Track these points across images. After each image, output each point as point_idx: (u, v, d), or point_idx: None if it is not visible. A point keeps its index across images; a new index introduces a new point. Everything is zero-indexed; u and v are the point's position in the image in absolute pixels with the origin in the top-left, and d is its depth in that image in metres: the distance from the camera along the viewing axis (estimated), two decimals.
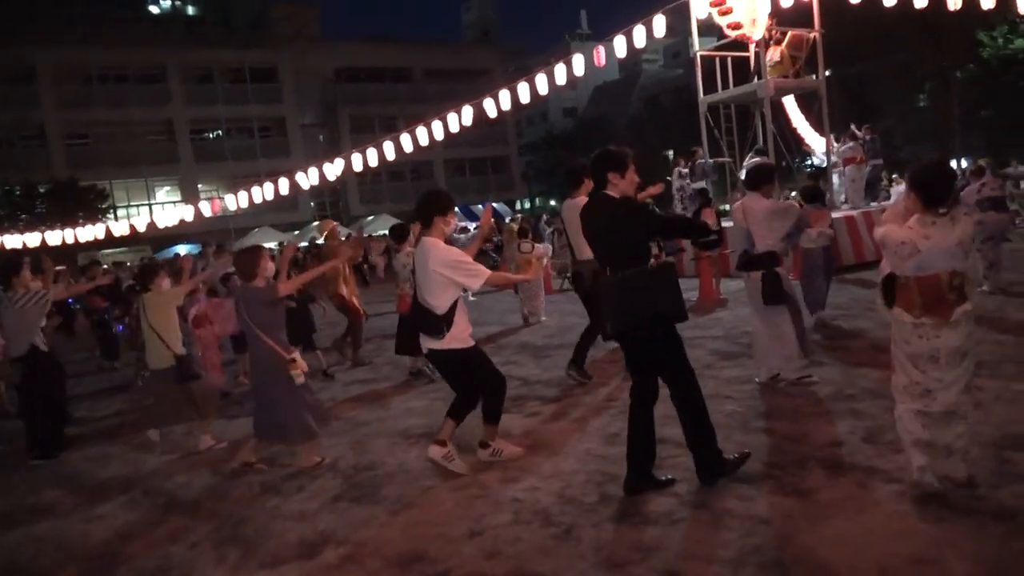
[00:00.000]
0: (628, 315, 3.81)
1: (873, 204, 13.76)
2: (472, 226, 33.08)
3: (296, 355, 5.07)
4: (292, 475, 5.03)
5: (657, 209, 6.31)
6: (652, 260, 3.90)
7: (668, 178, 15.47)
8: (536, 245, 10.69)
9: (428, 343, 4.53)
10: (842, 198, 13.91)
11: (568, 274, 5.83)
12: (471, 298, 12.33)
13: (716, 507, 3.64)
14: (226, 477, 5.11)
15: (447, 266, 4.33)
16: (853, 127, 14.34)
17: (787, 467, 4.05)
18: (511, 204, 44.95)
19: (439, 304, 4.38)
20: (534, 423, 5.56)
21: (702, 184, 14.36)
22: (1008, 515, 3.17)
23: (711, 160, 14.96)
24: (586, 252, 6.04)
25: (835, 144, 14.33)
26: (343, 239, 9.27)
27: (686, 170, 15.39)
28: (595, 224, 4.01)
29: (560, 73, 9.97)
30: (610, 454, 4.56)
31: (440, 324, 4.38)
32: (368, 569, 3.49)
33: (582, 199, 5.93)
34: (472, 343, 4.55)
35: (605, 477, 4.20)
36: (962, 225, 3.29)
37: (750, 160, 11.81)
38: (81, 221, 18.19)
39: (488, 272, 4.49)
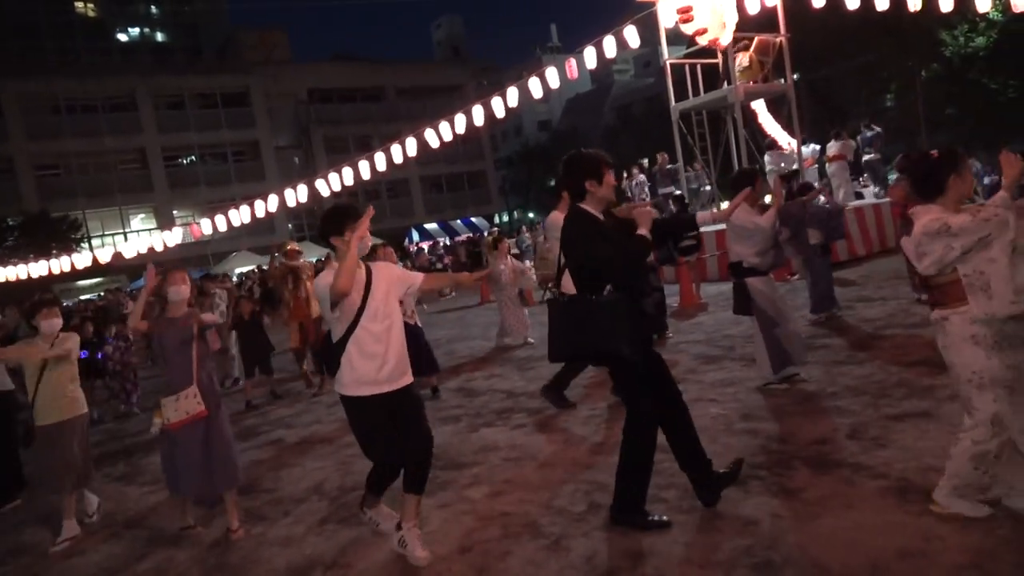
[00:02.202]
0: (558, 345, 3.62)
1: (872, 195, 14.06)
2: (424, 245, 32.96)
3: (166, 402, 4.35)
4: (277, 500, 4.97)
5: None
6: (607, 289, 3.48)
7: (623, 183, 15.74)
8: (514, 261, 10.55)
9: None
10: (821, 199, 14.06)
11: (550, 286, 5.78)
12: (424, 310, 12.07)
13: (705, 511, 3.64)
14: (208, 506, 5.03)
15: (320, 299, 3.59)
16: (867, 127, 14.71)
17: (773, 467, 4.06)
18: (489, 218, 44.98)
19: (333, 337, 3.64)
20: (520, 435, 5.54)
21: (672, 189, 14.53)
22: (990, 504, 3.19)
23: (674, 165, 15.19)
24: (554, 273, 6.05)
25: (811, 145, 14.71)
26: (292, 268, 8.83)
27: (642, 177, 15.69)
28: (564, 239, 3.70)
29: (534, 86, 10.00)
30: (597, 463, 4.55)
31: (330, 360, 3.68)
32: None
33: (562, 214, 5.94)
34: (357, 393, 3.53)
35: (593, 486, 4.19)
36: (916, 228, 3.12)
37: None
38: (55, 253, 17.91)
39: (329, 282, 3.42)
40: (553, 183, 6.22)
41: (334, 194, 11.44)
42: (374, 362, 3.50)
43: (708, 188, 15.68)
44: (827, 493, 3.63)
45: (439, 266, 21.89)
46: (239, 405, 8.37)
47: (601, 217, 3.66)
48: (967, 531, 3.04)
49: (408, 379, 3.65)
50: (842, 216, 8.91)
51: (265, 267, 28.52)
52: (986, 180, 17.20)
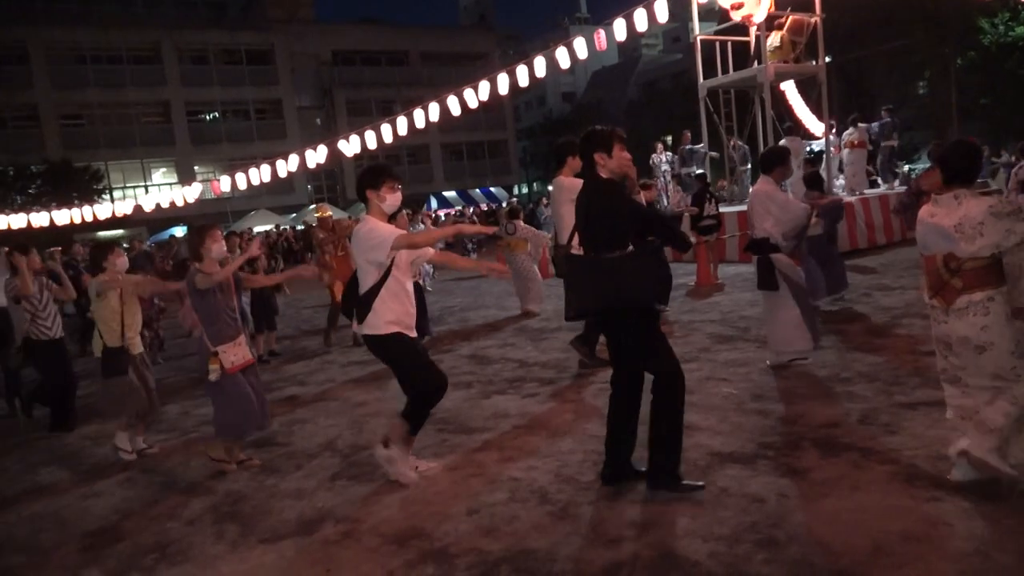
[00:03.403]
0: (586, 299, 3.73)
1: (882, 186, 13.77)
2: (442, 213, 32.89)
3: (223, 349, 4.63)
4: (290, 454, 5.06)
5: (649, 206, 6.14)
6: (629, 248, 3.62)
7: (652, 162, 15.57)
8: (520, 225, 10.45)
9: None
10: (839, 182, 13.87)
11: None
12: (428, 288, 12.20)
13: (712, 485, 3.67)
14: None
15: (362, 249, 4.04)
16: (887, 113, 14.34)
17: (782, 447, 4.08)
18: (508, 189, 44.86)
19: (362, 286, 4.10)
20: (531, 404, 5.59)
21: (696, 169, 14.37)
22: (999, 494, 3.20)
23: (704, 148, 14.95)
24: (564, 235, 6.08)
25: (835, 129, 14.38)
26: (331, 229, 9.15)
27: (666, 155, 15.52)
28: (581, 205, 3.82)
29: (562, 56, 9.91)
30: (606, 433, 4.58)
31: (360, 307, 4.10)
32: (366, 545, 3.52)
33: (565, 178, 5.99)
34: (394, 330, 4.05)
35: (601, 456, 4.20)
36: (966, 208, 3.15)
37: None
38: (77, 202, 18.08)
39: (397, 233, 4.01)
40: (557, 149, 6.24)
41: (355, 156, 11.46)
42: (404, 307, 4.08)
43: (748, 167, 15.41)
44: (834, 475, 3.65)
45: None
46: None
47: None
48: (974, 519, 3.05)
49: (415, 333, 4.24)
50: (842, 207, 8.78)
51: (285, 227, 28.80)
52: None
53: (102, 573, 3.62)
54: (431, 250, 4.56)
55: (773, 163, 5.76)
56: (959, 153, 3.30)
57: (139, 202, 14.20)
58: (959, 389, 3.33)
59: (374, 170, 4.18)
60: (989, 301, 3.14)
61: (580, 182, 5.93)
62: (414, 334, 4.19)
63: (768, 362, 5.79)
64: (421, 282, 7.75)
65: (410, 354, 4.15)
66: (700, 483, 3.69)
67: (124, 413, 5.34)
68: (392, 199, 4.13)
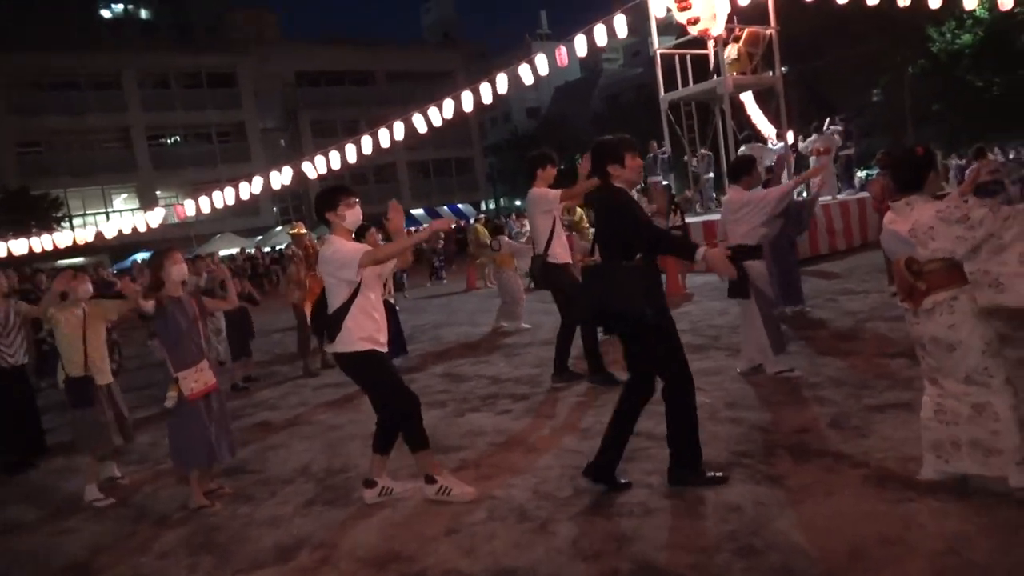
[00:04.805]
0: (593, 308, 3.85)
1: (842, 193, 14.00)
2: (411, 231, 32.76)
3: (183, 374, 4.53)
4: (264, 480, 4.98)
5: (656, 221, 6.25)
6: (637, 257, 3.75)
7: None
8: (505, 240, 10.58)
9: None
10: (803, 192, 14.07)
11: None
12: (404, 298, 12.09)
13: (689, 496, 3.69)
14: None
15: (330, 269, 4.03)
16: (829, 120, 14.53)
17: (756, 455, 4.12)
18: (476, 205, 44.92)
19: (331, 304, 4.09)
20: (506, 420, 5.58)
21: (659, 179, 14.51)
22: (968, 492, 3.27)
23: (667, 153, 15.15)
24: (540, 246, 6.15)
25: (797, 137, 14.64)
26: (306, 247, 9.08)
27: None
28: (597, 213, 4.02)
29: (524, 73, 9.99)
30: (583, 448, 4.59)
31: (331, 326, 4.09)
32: (344, 571, 3.48)
33: (538, 190, 6.13)
34: (367, 347, 4.05)
35: (578, 471, 4.21)
36: (917, 213, 3.24)
37: (739, 151, 12.07)
38: (35, 230, 17.71)
39: (363, 250, 3.96)
40: (532, 161, 6.30)
41: (320, 177, 11.39)
42: (375, 323, 4.09)
43: (711, 176, 15.61)
44: (809, 481, 3.69)
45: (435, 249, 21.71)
46: (224, 386, 8.35)
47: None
48: (946, 519, 3.11)
49: (387, 350, 4.24)
50: (810, 212, 8.93)
51: (250, 250, 28.48)
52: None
53: None
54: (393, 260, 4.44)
55: (739, 172, 5.87)
56: (906, 163, 3.43)
57: (100, 229, 13.95)
58: (938, 390, 3.39)
59: (328, 192, 4.18)
60: (953, 300, 3.20)
61: (555, 192, 6.05)
62: (385, 350, 4.19)
63: (739, 369, 5.86)
64: (391, 299, 7.72)
65: (382, 372, 4.16)
66: (721, 474, 3.83)
67: (89, 451, 5.14)
68: (352, 215, 4.13)
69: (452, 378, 7.35)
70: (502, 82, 10.08)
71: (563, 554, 3.32)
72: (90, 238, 13.77)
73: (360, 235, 6.84)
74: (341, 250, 3.98)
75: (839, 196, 13.92)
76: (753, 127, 15.64)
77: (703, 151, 15.40)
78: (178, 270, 4.68)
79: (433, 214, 40.62)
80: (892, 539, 3.01)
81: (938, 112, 29.12)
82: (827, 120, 14.46)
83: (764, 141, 15.43)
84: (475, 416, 5.83)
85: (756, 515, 3.40)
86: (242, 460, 5.47)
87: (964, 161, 17.89)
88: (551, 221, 6.11)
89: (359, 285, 4.02)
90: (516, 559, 3.33)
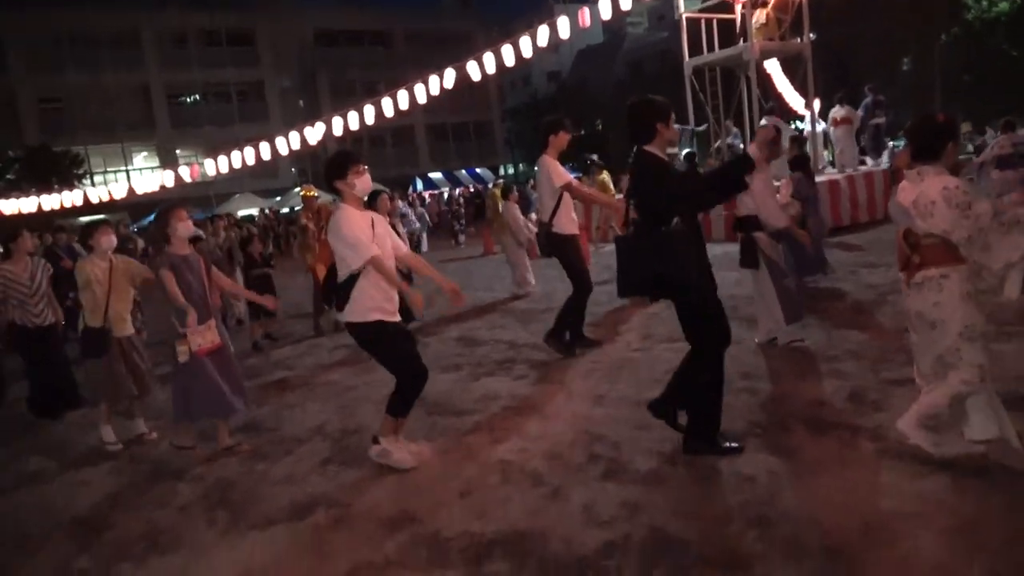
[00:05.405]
0: (632, 276, 3.81)
1: (870, 163, 13.73)
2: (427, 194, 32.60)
3: (191, 331, 4.59)
4: (280, 439, 5.04)
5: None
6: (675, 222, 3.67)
7: None
8: (509, 206, 10.54)
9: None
10: (827, 159, 13.88)
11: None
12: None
13: (703, 465, 3.69)
14: (212, 443, 5.09)
15: (339, 243, 4.01)
16: (871, 91, 14.15)
17: (771, 426, 4.11)
18: (494, 170, 44.60)
19: (340, 273, 4.09)
20: (521, 386, 5.59)
21: (687, 149, 14.27)
22: (987, 470, 3.24)
23: (689, 126, 14.87)
24: (545, 214, 6.11)
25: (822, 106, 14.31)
26: (316, 212, 9.04)
27: None
28: (635, 178, 3.91)
29: (544, 35, 9.81)
30: (597, 415, 4.60)
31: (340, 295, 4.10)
32: (359, 530, 3.52)
33: (549, 157, 6.08)
34: (375, 318, 4.04)
35: (592, 438, 4.24)
36: (925, 185, 3.16)
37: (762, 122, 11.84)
38: (57, 187, 17.82)
39: (370, 256, 3.93)
40: (545, 128, 6.21)
41: (338, 139, 11.33)
42: (384, 292, 4.04)
43: (740, 145, 15.35)
44: (824, 453, 3.67)
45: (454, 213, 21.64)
46: (244, 345, 8.47)
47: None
48: (962, 495, 3.08)
49: (398, 317, 4.20)
50: (816, 194, 8.76)
51: (268, 211, 28.52)
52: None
53: (92, 561, 3.59)
54: (404, 248, 4.42)
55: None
56: (922, 129, 3.31)
57: (123, 186, 14.03)
58: (916, 367, 3.40)
59: (337, 159, 4.12)
60: (943, 278, 3.15)
61: (567, 177, 6.03)
62: (397, 318, 4.16)
63: (757, 340, 5.82)
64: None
65: (391, 343, 4.14)
66: (737, 444, 3.81)
67: (103, 399, 5.29)
68: (361, 183, 4.09)
69: (467, 342, 7.37)
70: (523, 45, 9.91)
71: (575, 519, 3.33)
72: (117, 195, 13.85)
73: (371, 201, 6.84)
74: (354, 235, 3.94)
75: (864, 168, 13.68)
76: (779, 97, 15.32)
77: (728, 124, 15.04)
78: (184, 227, 4.72)
79: (451, 178, 40.46)
80: (906, 514, 3.00)
81: (968, 83, 28.41)
82: (838, 94, 14.07)
83: (790, 113, 15.13)
84: (490, 381, 5.85)
85: (770, 486, 3.39)
86: (258, 419, 5.53)
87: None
88: (560, 192, 6.07)
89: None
90: (529, 523, 3.35)
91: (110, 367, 5.22)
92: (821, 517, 3.05)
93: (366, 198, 4.31)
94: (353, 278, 3.99)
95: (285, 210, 29.42)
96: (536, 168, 6.46)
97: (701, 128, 15.39)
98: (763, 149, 3.73)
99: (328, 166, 4.13)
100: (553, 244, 6.20)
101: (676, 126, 15.29)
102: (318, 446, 4.80)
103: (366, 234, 3.98)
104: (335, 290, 4.10)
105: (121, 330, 5.31)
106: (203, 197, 29.40)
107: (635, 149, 3.84)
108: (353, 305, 4.02)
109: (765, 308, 5.74)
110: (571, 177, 6.38)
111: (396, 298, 4.13)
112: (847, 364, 5.04)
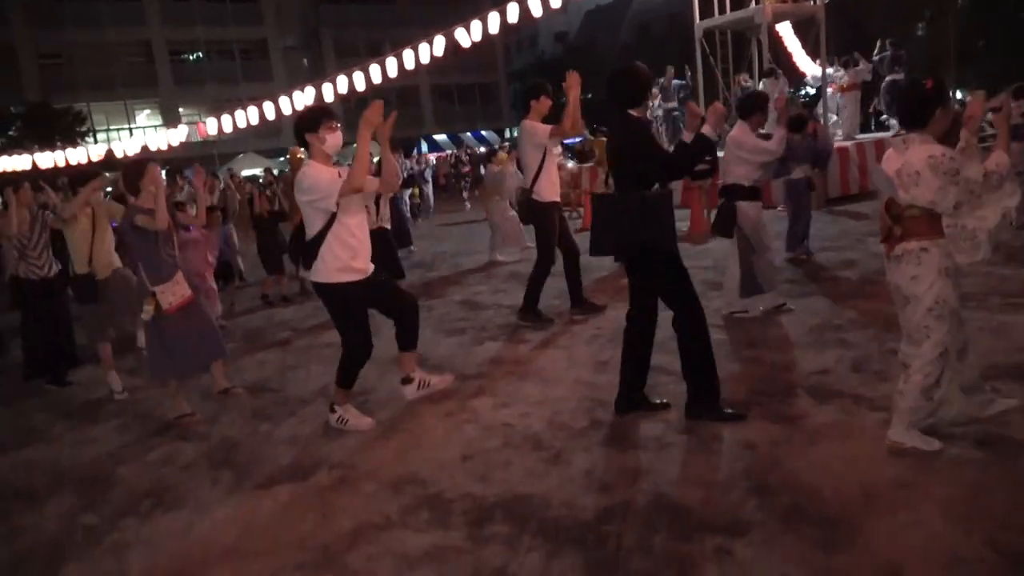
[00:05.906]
0: (611, 238, 3.84)
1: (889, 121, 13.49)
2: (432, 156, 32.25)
3: (162, 289, 4.63)
4: (283, 400, 5.07)
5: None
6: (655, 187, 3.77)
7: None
8: (493, 170, 10.48)
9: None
10: (834, 121, 13.63)
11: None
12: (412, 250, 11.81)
13: (704, 432, 3.70)
14: (217, 402, 5.13)
15: (306, 197, 3.98)
16: (891, 45, 13.79)
17: (774, 394, 4.11)
18: (500, 132, 44.17)
19: (308, 231, 4.08)
20: (524, 351, 5.59)
21: (674, 104, 14.01)
22: (988, 442, 3.24)
23: (683, 80, 14.63)
24: (527, 180, 6.06)
25: (834, 70, 14.01)
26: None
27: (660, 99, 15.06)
28: (612, 143, 3.99)
29: None
30: (599, 381, 4.61)
31: (307, 254, 4.15)
32: (362, 491, 3.54)
33: (531, 122, 6.03)
34: (342, 279, 4.06)
35: (594, 403, 4.25)
36: (910, 154, 3.06)
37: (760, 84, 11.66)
38: (59, 144, 17.69)
39: (338, 183, 3.88)
40: (526, 92, 6.23)
41: (342, 98, 11.20)
42: (352, 251, 4.03)
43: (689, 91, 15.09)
44: (826, 422, 3.68)
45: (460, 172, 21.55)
46: (250, 303, 8.54)
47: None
48: (963, 467, 3.09)
49: (372, 267, 4.19)
50: (830, 153, 8.63)
51: (275, 171, 28.36)
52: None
53: (98, 518, 3.63)
54: (375, 182, 4.29)
55: (751, 109, 5.69)
56: (911, 97, 3.21)
57: (134, 142, 13.96)
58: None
59: (312, 112, 4.13)
60: (922, 252, 3.09)
61: (544, 127, 5.93)
62: (365, 275, 4.13)
63: (723, 313, 5.76)
64: (386, 225, 7.75)
65: (351, 309, 4.18)
66: (740, 412, 3.82)
67: (101, 341, 5.57)
68: (332, 139, 4.03)
69: (471, 306, 7.36)
70: (531, 3, 9.71)
71: (576, 484, 3.35)
72: (118, 153, 13.78)
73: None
74: (318, 181, 3.91)
75: (875, 135, 13.50)
76: (790, 60, 15.07)
77: (744, 79, 14.68)
78: (150, 180, 4.73)
79: (456, 140, 40.09)
80: (907, 483, 3.00)
81: (983, 49, 27.90)
82: (844, 58, 13.74)
83: (799, 76, 14.87)
84: (493, 345, 5.86)
85: (771, 454, 3.40)
86: (262, 379, 5.56)
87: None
88: (540, 156, 5.99)
89: (335, 213, 3.96)
90: (530, 487, 3.37)
91: (100, 309, 5.57)
92: (822, 486, 3.06)
93: (336, 158, 4.21)
94: (321, 235, 3.98)
95: (287, 170, 29.24)
96: (518, 133, 6.38)
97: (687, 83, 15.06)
98: (718, 127, 3.82)
99: (300, 118, 4.13)
100: (532, 211, 6.14)
101: (675, 81, 15.09)
102: (321, 408, 4.81)
103: (333, 188, 3.89)
104: (302, 249, 4.10)
105: (104, 273, 5.64)
106: (207, 156, 29.22)
107: (618, 112, 3.86)
108: (320, 264, 4.04)
109: (730, 277, 5.73)
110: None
111: (365, 257, 4.12)
112: (852, 333, 5.03)
